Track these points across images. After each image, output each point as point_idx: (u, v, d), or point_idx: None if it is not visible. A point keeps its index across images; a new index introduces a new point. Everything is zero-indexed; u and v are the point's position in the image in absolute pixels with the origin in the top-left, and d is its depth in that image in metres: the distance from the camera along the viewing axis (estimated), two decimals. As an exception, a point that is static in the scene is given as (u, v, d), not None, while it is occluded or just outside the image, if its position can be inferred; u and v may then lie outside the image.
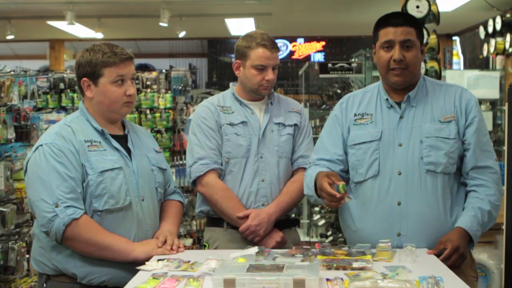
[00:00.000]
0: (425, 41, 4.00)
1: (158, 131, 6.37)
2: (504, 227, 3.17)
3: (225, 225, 2.91)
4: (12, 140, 3.96)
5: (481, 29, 7.71)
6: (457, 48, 10.71)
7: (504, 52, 7.38)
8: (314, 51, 13.82)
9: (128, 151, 2.53)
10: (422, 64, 4.01)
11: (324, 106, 7.14)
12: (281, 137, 2.92)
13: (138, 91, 6.21)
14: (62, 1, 7.89)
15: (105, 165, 2.42)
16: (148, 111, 6.36)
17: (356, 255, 2.25)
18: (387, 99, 2.58)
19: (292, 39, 13.63)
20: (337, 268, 2.17)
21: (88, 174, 2.39)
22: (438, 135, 2.49)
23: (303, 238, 6.97)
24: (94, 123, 2.50)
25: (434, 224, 2.47)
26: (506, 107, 3.33)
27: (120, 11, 8.88)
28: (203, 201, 2.95)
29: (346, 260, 2.21)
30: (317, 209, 7.21)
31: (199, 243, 6.13)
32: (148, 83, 6.45)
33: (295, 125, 2.97)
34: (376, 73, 6.18)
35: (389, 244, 2.34)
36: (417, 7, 4.02)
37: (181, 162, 6.43)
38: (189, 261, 2.31)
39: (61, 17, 8.18)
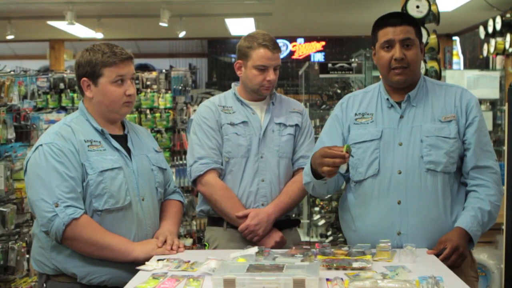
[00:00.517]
0: (425, 41, 4.00)
1: (158, 131, 6.37)
2: (504, 227, 3.17)
3: (225, 225, 2.91)
4: (12, 140, 3.96)
5: (481, 29, 7.72)
6: (457, 48, 10.72)
7: (504, 52, 7.38)
8: (314, 51, 13.82)
9: (128, 151, 2.53)
10: (422, 64, 4.01)
11: (324, 106, 7.13)
12: (282, 137, 2.93)
13: (138, 91, 6.21)
14: (62, 1, 7.89)
15: (105, 165, 2.42)
16: (148, 111, 6.36)
17: (356, 255, 2.25)
18: (387, 99, 2.58)
19: (292, 39, 13.64)
20: (337, 268, 2.17)
21: (88, 174, 2.39)
22: (438, 134, 2.49)
23: (303, 238, 6.96)
24: (94, 123, 2.50)
25: (434, 223, 2.47)
26: (506, 107, 3.33)
27: (120, 11, 8.88)
28: (203, 201, 2.95)
29: (346, 260, 2.21)
30: (317, 209, 7.21)
31: (199, 243, 6.13)
32: (148, 83, 6.45)
33: (296, 125, 2.97)
34: (376, 73, 6.18)
35: (389, 244, 2.34)
36: (417, 7, 4.02)
37: (181, 162, 6.43)
38: (189, 261, 2.31)
39: (61, 17, 8.18)
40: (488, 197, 2.47)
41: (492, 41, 7.47)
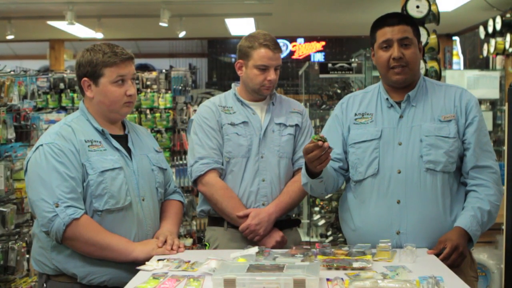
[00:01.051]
0: (425, 41, 4.00)
1: (158, 131, 6.36)
2: (504, 227, 3.17)
3: (226, 225, 2.91)
4: (12, 140, 3.96)
5: (481, 29, 7.71)
6: (457, 48, 10.72)
7: (504, 52, 7.38)
8: (314, 51, 13.81)
9: (128, 151, 2.54)
10: (422, 64, 4.01)
11: (324, 106, 7.13)
12: (282, 137, 2.93)
13: (138, 91, 6.20)
14: (62, 1, 7.89)
15: (105, 165, 2.42)
16: (148, 111, 6.36)
17: (356, 255, 2.26)
18: (387, 99, 2.59)
19: (292, 39, 13.63)
20: (337, 268, 2.17)
21: (88, 174, 2.39)
22: (438, 134, 2.50)
23: (303, 238, 6.96)
24: (94, 123, 2.50)
25: (433, 222, 2.47)
26: (506, 107, 3.33)
27: (120, 11, 8.88)
28: (204, 201, 2.95)
29: (346, 260, 2.21)
30: (317, 209, 7.20)
31: (199, 243, 6.13)
32: (148, 83, 6.45)
33: (296, 125, 2.97)
34: (376, 73, 6.18)
35: (389, 244, 2.34)
36: (417, 7, 4.02)
37: (181, 162, 6.42)
38: (189, 261, 2.31)
39: (61, 17, 8.18)
40: (488, 197, 2.48)
41: (492, 41, 7.47)
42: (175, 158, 6.50)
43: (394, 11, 2.68)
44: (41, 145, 2.41)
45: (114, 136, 2.52)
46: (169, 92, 6.47)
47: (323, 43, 13.72)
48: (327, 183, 2.56)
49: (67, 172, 2.36)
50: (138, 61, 11.44)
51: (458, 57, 10.58)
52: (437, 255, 2.34)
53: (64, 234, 2.33)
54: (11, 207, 3.81)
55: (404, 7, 4.03)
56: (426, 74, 4.03)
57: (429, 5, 4.03)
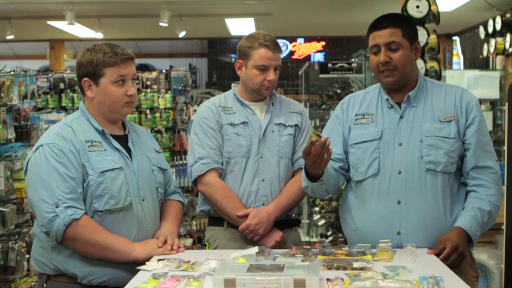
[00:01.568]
0: (425, 41, 4.00)
1: (158, 131, 6.36)
2: (504, 227, 3.18)
3: (226, 224, 2.91)
4: (12, 140, 3.96)
5: (481, 29, 7.71)
6: (457, 48, 10.72)
7: (504, 52, 7.38)
8: (314, 51, 13.81)
9: (129, 151, 2.53)
10: (422, 64, 4.01)
11: (324, 106, 7.13)
12: (282, 137, 2.93)
13: (138, 91, 6.20)
14: (62, 1, 7.89)
15: (105, 165, 2.42)
16: (148, 111, 6.36)
17: (356, 255, 2.26)
18: (387, 99, 2.59)
19: (292, 39, 13.63)
20: (337, 268, 2.17)
21: (88, 174, 2.39)
22: (438, 134, 2.50)
23: (303, 238, 6.96)
24: (94, 123, 2.49)
25: (433, 222, 2.47)
26: (506, 107, 3.33)
27: (120, 11, 8.88)
28: (204, 201, 2.95)
29: (346, 260, 2.21)
30: (317, 209, 7.21)
31: (199, 243, 6.13)
32: (148, 83, 6.45)
33: (296, 125, 2.98)
34: (376, 73, 6.17)
35: (390, 244, 2.34)
36: (417, 7, 4.02)
37: (181, 162, 6.42)
38: (189, 261, 2.31)
39: (61, 17, 8.18)
40: (488, 197, 2.48)
41: (492, 41, 7.47)
42: (175, 158, 6.49)
43: (393, 12, 2.66)
44: (41, 145, 2.41)
45: (114, 136, 2.52)
46: (169, 92, 6.47)
47: (323, 43, 13.72)
48: (328, 184, 2.56)
49: (67, 172, 2.36)
50: (138, 61, 11.41)
51: (458, 57, 10.58)
52: (437, 255, 2.34)
53: (64, 234, 2.33)
54: (11, 207, 3.81)
55: (404, 7, 4.03)
56: (426, 74, 4.02)
57: (429, 5, 4.03)
